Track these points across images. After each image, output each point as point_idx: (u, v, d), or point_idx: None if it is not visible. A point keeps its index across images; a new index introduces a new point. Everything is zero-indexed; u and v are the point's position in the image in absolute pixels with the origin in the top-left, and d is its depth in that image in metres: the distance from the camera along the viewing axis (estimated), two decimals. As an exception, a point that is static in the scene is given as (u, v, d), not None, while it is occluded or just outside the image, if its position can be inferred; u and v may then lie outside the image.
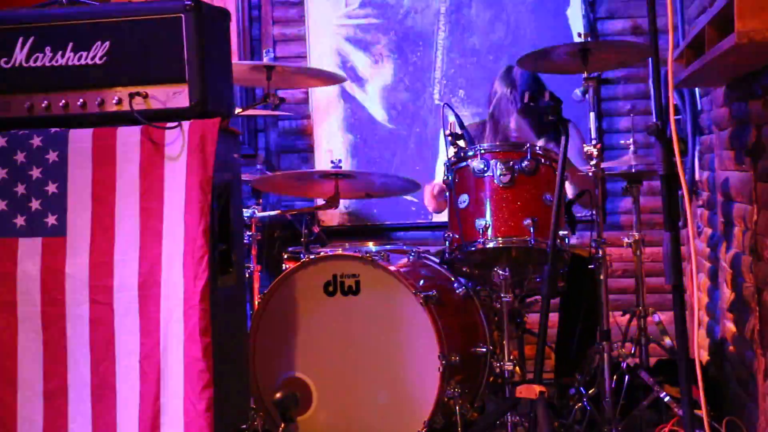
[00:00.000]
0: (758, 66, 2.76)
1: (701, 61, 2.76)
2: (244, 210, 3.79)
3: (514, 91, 4.13)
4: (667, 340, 3.96)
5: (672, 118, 2.24)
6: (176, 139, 2.69)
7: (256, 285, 3.94)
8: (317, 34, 5.18)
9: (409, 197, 5.03)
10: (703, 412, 2.54)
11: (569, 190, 3.93)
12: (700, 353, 4.38)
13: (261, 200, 4.21)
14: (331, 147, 5.17)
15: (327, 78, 4.58)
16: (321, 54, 5.17)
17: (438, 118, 5.03)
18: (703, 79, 3.51)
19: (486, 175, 3.42)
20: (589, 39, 3.58)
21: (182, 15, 2.72)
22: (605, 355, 3.46)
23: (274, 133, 5.25)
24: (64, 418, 2.66)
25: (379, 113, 5.16)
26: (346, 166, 5.00)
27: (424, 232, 5.12)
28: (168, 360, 2.62)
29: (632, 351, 3.78)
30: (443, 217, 3.99)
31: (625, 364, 3.62)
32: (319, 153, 5.18)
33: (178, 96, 2.73)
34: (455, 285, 3.61)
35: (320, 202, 3.93)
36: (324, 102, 5.20)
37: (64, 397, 2.66)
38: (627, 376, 3.60)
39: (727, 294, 3.76)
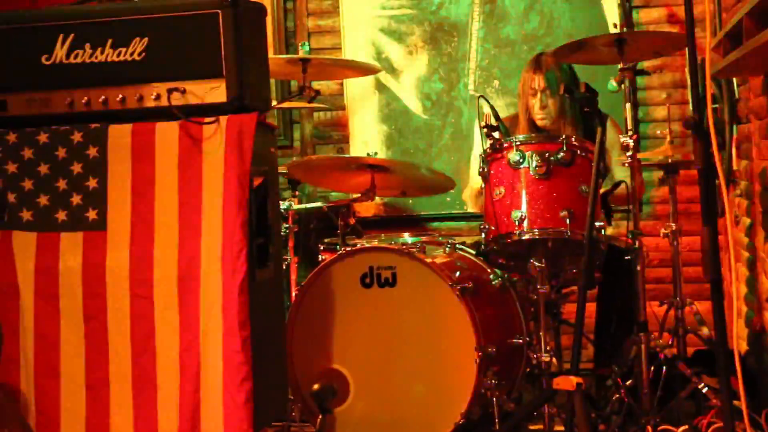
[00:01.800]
0: (797, 56, 2.74)
1: (739, 51, 2.73)
2: (281, 202, 3.82)
3: (538, 73, 4.11)
4: (705, 331, 3.94)
5: (709, 111, 2.23)
6: (214, 134, 2.72)
7: (293, 277, 3.97)
8: (352, 25, 5.19)
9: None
10: (741, 404, 2.53)
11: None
12: (739, 343, 4.35)
13: (297, 192, 4.22)
14: (366, 138, 5.18)
15: (362, 69, 4.59)
16: (356, 45, 5.18)
17: (473, 108, 5.03)
18: (741, 69, 3.47)
19: (522, 166, 3.42)
20: (624, 29, 3.56)
21: (219, 11, 2.75)
22: (642, 346, 3.45)
23: (309, 124, 5.27)
24: (107, 410, 2.70)
25: (413, 104, 5.17)
26: (381, 157, 5.00)
27: (459, 222, 5.12)
28: (207, 353, 2.66)
29: (670, 342, 3.76)
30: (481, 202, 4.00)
31: (662, 355, 3.60)
32: (355, 144, 5.20)
33: (215, 91, 2.76)
34: (491, 276, 3.61)
35: (356, 194, 3.94)
36: (359, 93, 5.21)
37: (106, 389, 2.71)
38: (664, 367, 3.58)
39: (765, 284, 3.73)
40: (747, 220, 4.21)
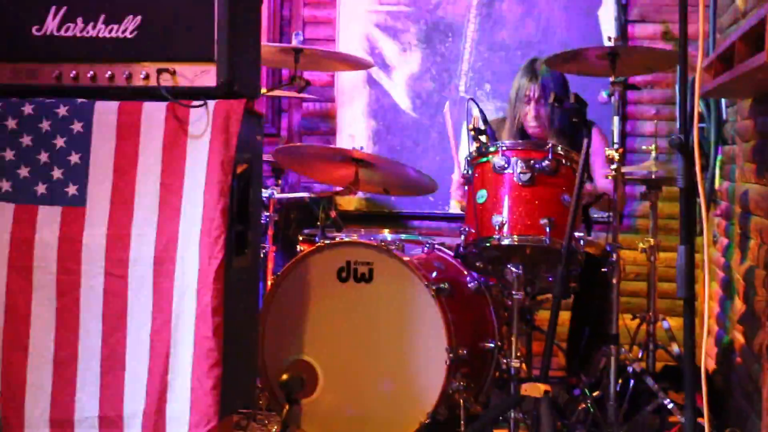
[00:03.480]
0: (786, 83, 2.76)
1: (729, 74, 2.75)
2: (263, 190, 3.81)
3: (534, 82, 4.11)
4: (675, 347, 3.97)
5: (696, 132, 2.24)
6: (201, 118, 2.71)
7: (270, 265, 3.97)
8: (348, 18, 5.19)
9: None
10: (705, 421, 2.55)
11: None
12: (707, 361, 4.38)
13: (280, 181, 4.22)
14: (353, 132, 5.18)
15: (354, 63, 4.59)
16: (350, 38, 5.18)
17: (462, 110, 5.03)
18: (731, 91, 3.50)
19: (506, 172, 3.42)
20: (618, 43, 3.57)
21: (214, -5, 2.73)
22: (612, 358, 3.47)
23: (297, 114, 5.27)
24: (73, 387, 2.69)
25: (403, 101, 5.17)
26: (368, 152, 5.00)
27: (440, 222, 5.13)
28: (178, 336, 2.65)
29: (639, 356, 3.79)
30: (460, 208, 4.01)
31: (631, 369, 3.62)
32: (342, 137, 5.20)
33: (205, 75, 2.75)
34: (467, 279, 3.62)
35: (339, 187, 3.93)
36: (349, 86, 5.21)
37: (73, 366, 2.69)
38: (632, 381, 3.61)
39: (738, 305, 3.76)
40: (725, 240, 4.24)
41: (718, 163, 4.40)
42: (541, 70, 4.09)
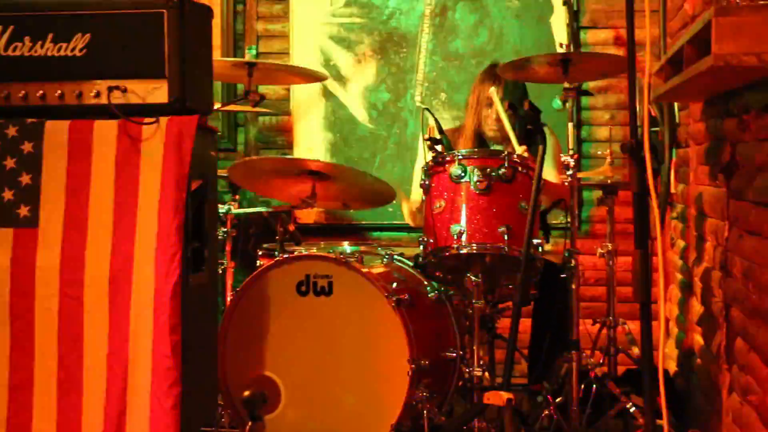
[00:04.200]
0: (734, 86, 2.78)
1: (680, 78, 2.77)
2: (220, 206, 3.79)
3: (497, 83, 4.08)
4: (636, 350, 3.99)
5: (646, 137, 2.26)
6: (153, 135, 2.70)
7: (229, 281, 3.94)
8: (301, 31, 5.17)
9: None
10: (664, 422, 2.57)
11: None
12: (669, 364, 4.42)
13: (237, 196, 4.19)
14: (310, 145, 5.16)
15: (309, 76, 4.57)
16: (304, 51, 5.16)
17: (419, 120, 5.04)
18: (681, 95, 3.54)
19: (462, 181, 3.44)
20: (570, 49, 3.60)
21: (165, 11, 2.73)
22: (573, 364, 3.49)
23: (253, 128, 5.24)
24: (29, 412, 2.65)
25: (359, 113, 5.16)
26: (324, 161, 4.99)
27: (400, 233, 5.13)
28: (136, 356, 2.62)
29: (601, 360, 3.81)
30: (419, 219, 4.01)
31: (593, 374, 3.64)
32: (299, 150, 5.17)
33: (157, 91, 2.74)
34: (428, 289, 3.62)
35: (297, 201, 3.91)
36: (305, 99, 5.19)
37: (29, 391, 2.65)
38: (594, 385, 3.63)
39: (696, 307, 3.79)
40: (682, 243, 4.28)
41: (672, 166, 4.44)
42: (502, 74, 4.09)
